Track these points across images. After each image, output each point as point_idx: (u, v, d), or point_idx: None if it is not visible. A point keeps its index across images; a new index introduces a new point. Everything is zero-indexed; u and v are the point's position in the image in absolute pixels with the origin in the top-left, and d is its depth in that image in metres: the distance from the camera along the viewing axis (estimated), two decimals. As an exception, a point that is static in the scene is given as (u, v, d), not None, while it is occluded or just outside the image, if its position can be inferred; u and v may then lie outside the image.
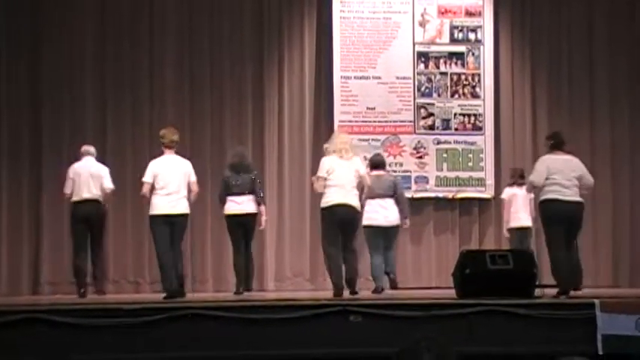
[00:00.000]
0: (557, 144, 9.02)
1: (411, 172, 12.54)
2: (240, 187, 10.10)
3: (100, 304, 8.43)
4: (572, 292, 8.64)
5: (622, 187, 12.89)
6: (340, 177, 8.99)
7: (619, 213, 12.86)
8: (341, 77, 12.50)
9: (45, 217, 11.79)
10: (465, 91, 12.73)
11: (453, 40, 12.77)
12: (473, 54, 12.77)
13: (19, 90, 11.95)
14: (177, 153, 9.55)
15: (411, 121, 12.62)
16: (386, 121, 12.55)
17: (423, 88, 12.67)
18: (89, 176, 10.19)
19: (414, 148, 12.60)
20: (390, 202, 10.19)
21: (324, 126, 12.39)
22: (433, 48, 12.74)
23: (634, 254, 12.80)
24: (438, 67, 12.71)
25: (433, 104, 12.68)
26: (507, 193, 11.56)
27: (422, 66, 12.68)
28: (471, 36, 12.80)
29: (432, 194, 12.61)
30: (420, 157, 12.61)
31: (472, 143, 12.68)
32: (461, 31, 12.78)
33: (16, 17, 11.98)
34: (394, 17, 12.65)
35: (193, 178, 9.43)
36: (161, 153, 9.51)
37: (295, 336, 7.60)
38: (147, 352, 7.45)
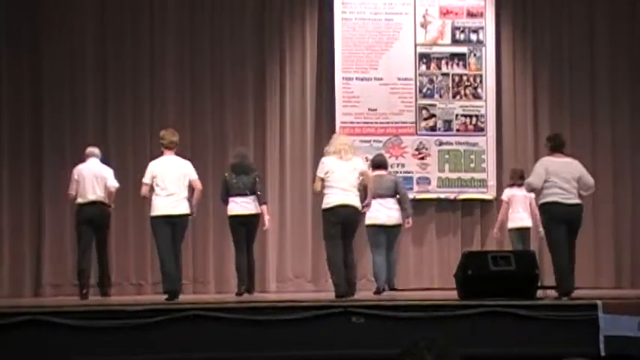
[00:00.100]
0: (556, 146, 9.03)
1: (412, 173, 12.53)
2: (242, 188, 10.12)
3: (101, 305, 8.43)
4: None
5: (623, 187, 12.87)
6: (340, 178, 8.99)
7: (620, 213, 12.85)
8: (342, 78, 12.49)
9: (46, 218, 11.79)
10: (467, 92, 12.72)
11: (455, 41, 12.76)
12: (474, 55, 12.76)
13: (19, 90, 11.95)
14: (177, 154, 9.57)
15: (412, 122, 12.61)
16: (387, 122, 12.54)
17: (424, 89, 12.66)
18: (94, 178, 10.21)
19: (416, 149, 12.59)
20: (391, 202, 10.20)
21: (325, 127, 12.38)
22: (435, 49, 12.72)
23: (636, 255, 12.79)
24: (439, 68, 12.70)
25: (435, 105, 12.66)
26: (507, 193, 11.55)
27: (423, 67, 12.67)
28: (473, 37, 12.79)
29: (434, 195, 12.60)
30: (422, 158, 12.60)
31: (474, 144, 12.67)
32: (462, 32, 12.77)
33: (16, 17, 11.97)
34: (396, 18, 12.64)
35: (194, 176, 9.46)
36: (161, 153, 9.53)
37: (297, 337, 7.60)
38: (149, 354, 7.45)
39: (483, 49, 12.77)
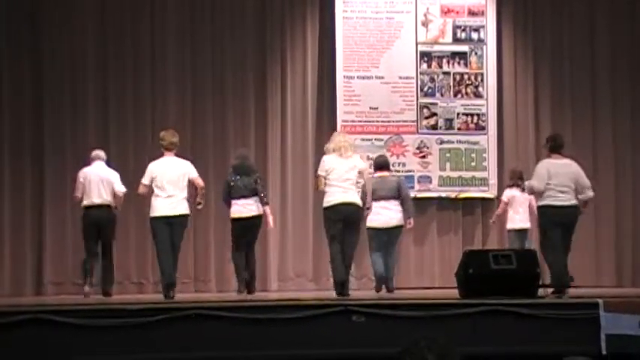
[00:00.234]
0: (555, 146, 9.06)
1: (414, 171, 12.52)
2: (243, 190, 10.14)
3: (103, 304, 8.46)
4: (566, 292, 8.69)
5: (624, 186, 12.87)
6: (340, 176, 9.01)
7: (621, 212, 12.85)
8: (344, 77, 12.49)
9: (47, 217, 11.78)
10: (468, 90, 12.71)
11: (456, 40, 12.75)
12: (476, 53, 12.76)
13: (20, 90, 11.94)
14: (178, 154, 9.58)
15: (413, 121, 12.60)
16: (389, 121, 12.54)
17: (425, 88, 12.66)
18: (99, 181, 10.25)
19: (417, 148, 12.59)
20: (393, 204, 10.18)
21: (326, 126, 12.37)
22: (436, 48, 12.72)
23: (637, 254, 12.79)
24: (440, 67, 12.70)
25: (436, 104, 12.66)
26: (507, 194, 11.54)
27: (425, 66, 12.67)
28: (474, 35, 12.78)
29: (435, 194, 12.59)
30: (423, 157, 12.59)
31: (475, 143, 12.66)
32: (464, 30, 12.77)
33: (16, 17, 11.96)
34: (397, 17, 12.63)
35: (194, 174, 9.49)
36: (161, 154, 9.54)
37: (298, 336, 7.61)
38: (150, 353, 7.46)
39: (484, 47, 12.77)
